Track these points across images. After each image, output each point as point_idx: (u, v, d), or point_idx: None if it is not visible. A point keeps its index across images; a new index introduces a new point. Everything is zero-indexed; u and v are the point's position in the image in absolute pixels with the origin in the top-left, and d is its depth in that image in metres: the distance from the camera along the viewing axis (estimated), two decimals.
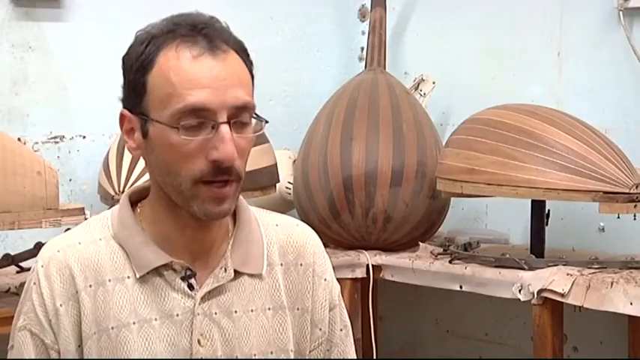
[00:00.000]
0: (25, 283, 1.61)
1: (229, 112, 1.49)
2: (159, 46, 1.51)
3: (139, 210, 1.62)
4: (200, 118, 1.48)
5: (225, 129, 1.48)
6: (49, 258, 1.57)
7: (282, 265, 1.65)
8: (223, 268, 1.59)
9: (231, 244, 1.61)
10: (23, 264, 2.87)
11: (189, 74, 1.49)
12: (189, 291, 1.56)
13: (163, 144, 1.50)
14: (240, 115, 1.51)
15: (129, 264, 1.57)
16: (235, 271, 1.59)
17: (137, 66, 1.52)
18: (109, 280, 1.56)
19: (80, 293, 1.55)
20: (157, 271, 1.56)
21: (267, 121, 1.55)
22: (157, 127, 1.51)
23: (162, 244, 1.57)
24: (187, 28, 1.52)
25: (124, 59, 1.56)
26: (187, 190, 1.51)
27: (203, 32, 1.51)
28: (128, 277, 1.56)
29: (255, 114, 1.53)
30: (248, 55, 1.56)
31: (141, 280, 1.56)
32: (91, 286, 1.55)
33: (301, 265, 1.67)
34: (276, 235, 1.67)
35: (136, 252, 1.57)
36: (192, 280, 1.57)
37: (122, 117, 1.57)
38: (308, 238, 1.70)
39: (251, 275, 1.61)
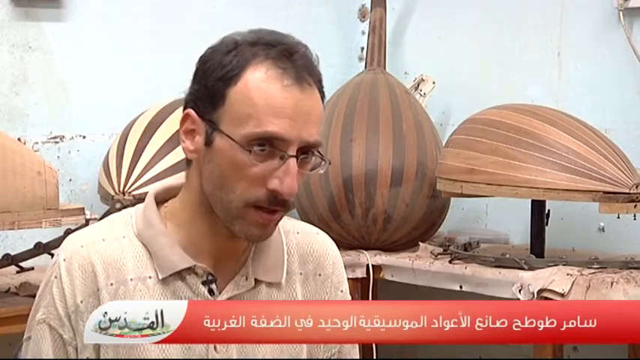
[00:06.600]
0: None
1: (300, 146, 1.49)
2: (247, 60, 1.49)
3: (164, 209, 1.60)
4: (272, 146, 1.48)
5: (293, 163, 1.49)
6: (71, 252, 1.56)
7: (301, 274, 1.65)
8: (244, 277, 1.58)
9: (253, 252, 1.60)
10: (23, 264, 2.87)
11: (275, 101, 1.47)
12: (209, 296, 1.56)
13: (227, 159, 1.49)
14: (308, 151, 1.51)
15: (151, 264, 1.56)
16: (255, 279, 1.59)
17: (220, 75, 1.50)
18: (131, 280, 1.55)
19: (101, 291, 1.54)
20: (180, 274, 1.56)
21: (330, 162, 1.56)
22: (225, 141, 1.49)
23: (186, 247, 1.56)
24: (280, 53, 1.50)
25: (203, 60, 1.53)
26: (236, 209, 1.50)
27: (297, 63, 1.50)
28: (150, 277, 1.55)
29: (319, 152, 1.53)
30: (323, 88, 1.55)
31: (163, 281, 1.55)
32: (112, 284, 1.54)
33: (320, 275, 1.67)
34: (297, 243, 1.66)
35: (160, 253, 1.56)
36: (213, 286, 1.56)
37: (186, 116, 1.54)
38: (328, 248, 1.70)
39: (269, 284, 1.61)
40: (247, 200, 1.49)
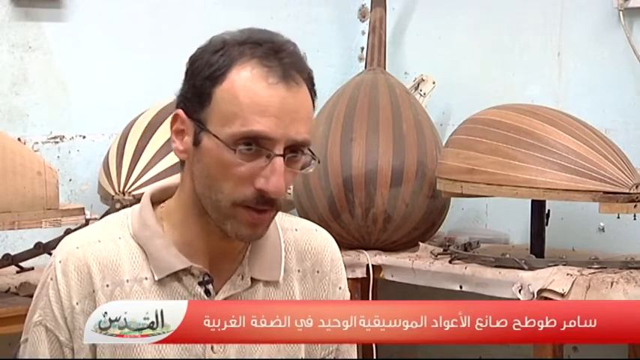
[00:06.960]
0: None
1: (287, 144, 1.48)
2: (233, 60, 1.49)
3: (160, 210, 1.60)
4: (258, 145, 1.47)
5: (279, 162, 1.47)
6: (67, 254, 1.56)
7: (299, 271, 1.64)
8: (240, 276, 1.58)
9: (250, 250, 1.60)
10: (23, 264, 2.87)
11: (260, 100, 1.46)
12: (205, 297, 1.55)
13: (214, 159, 1.49)
14: (296, 150, 1.50)
15: (147, 265, 1.56)
16: (252, 278, 1.59)
17: (207, 74, 1.49)
18: (127, 281, 1.55)
19: (97, 292, 1.54)
20: (176, 275, 1.55)
21: (319, 161, 1.55)
22: (211, 141, 1.49)
23: (182, 248, 1.56)
24: (267, 51, 1.49)
25: (192, 60, 1.53)
26: (225, 209, 1.49)
27: (283, 61, 1.49)
28: (146, 279, 1.55)
29: (310, 150, 1.52)
30: (314, 86, 1.54)
31: (159, 282, 1.55)
32: (108, 285, 1.54)
33: (318, 272, 1.66)
34: (295, 240, 1.65)
35: (156, 254, 1.55)
36: (210, 286, 1.56)
37: (176, 116, 1.54)
38: (327, 245, 1.68)
39: (266, 282, 1.60)
40: (235, 200, 1.48)
